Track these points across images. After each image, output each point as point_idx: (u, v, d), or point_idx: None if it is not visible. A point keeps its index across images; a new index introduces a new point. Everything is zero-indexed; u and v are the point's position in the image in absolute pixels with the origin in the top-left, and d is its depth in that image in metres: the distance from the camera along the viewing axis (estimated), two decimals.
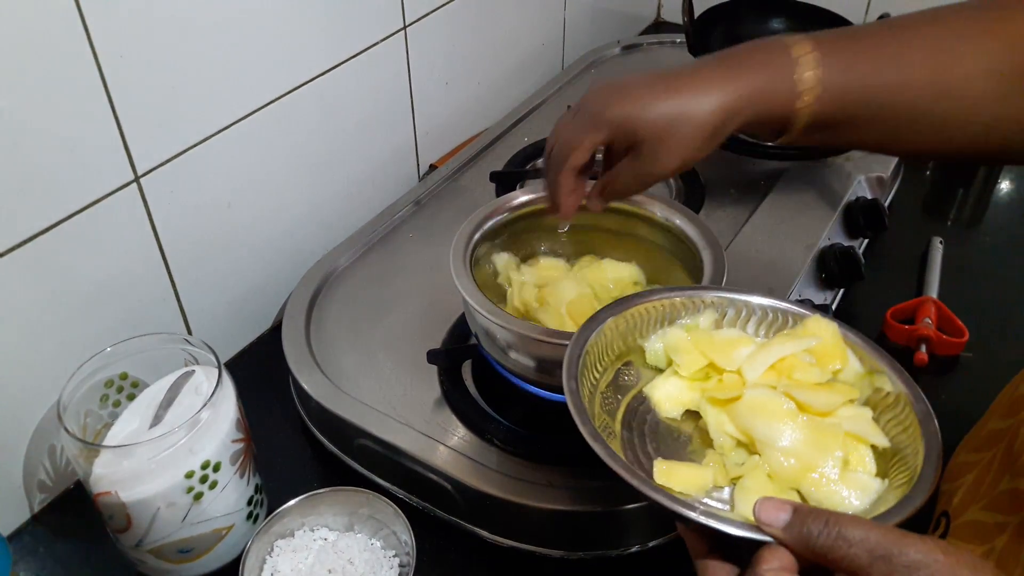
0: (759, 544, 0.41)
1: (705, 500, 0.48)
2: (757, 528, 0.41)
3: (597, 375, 0.55)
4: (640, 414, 0.54)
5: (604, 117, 0.57)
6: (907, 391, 0.51)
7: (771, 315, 0.57)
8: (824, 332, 0.54)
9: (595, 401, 0.54)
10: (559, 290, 0.68)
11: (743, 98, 0.55)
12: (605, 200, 0.62)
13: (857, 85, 0.56)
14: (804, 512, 0.41)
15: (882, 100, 0.56)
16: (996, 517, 0.52)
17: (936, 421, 0.49)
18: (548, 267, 0.73)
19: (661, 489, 0.44)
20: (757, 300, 0.57)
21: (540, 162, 0.65)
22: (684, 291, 0.58)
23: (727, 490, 0.49)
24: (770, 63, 0.56)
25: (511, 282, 0.71)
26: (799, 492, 0.47)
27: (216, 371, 0.61)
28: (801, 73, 0.55)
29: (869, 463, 0.48)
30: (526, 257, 0.74)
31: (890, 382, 0.51)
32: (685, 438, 0.52)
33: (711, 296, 0.58)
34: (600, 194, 0.62)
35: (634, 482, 0.44)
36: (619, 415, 0.54)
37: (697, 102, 0.55)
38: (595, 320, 0.55)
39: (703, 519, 0.42)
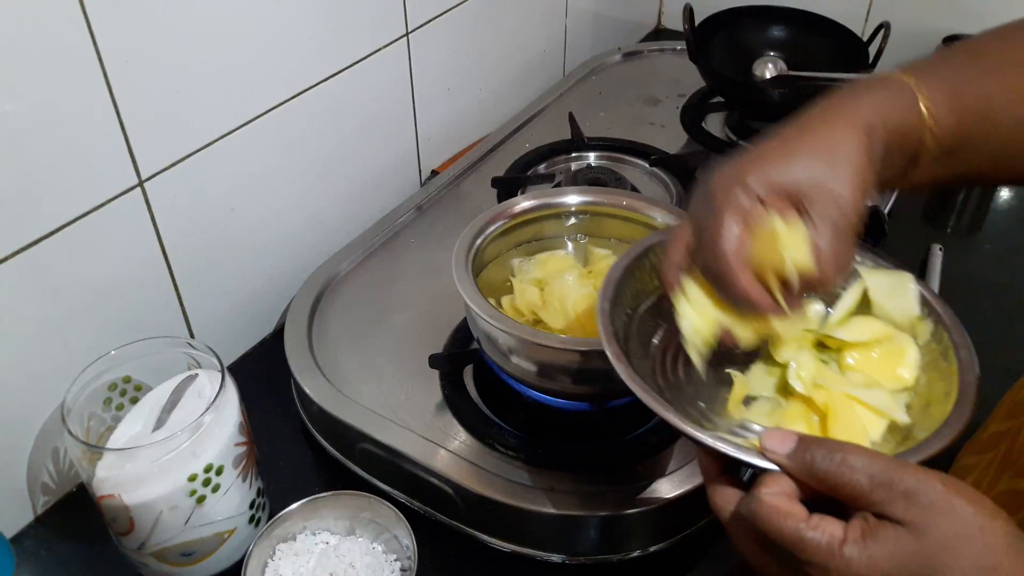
0: (763, 471, 0.42)
1: (730, 427, 0.50)
2: (762, 455, 0.42)
3: (641, 299, 0.56)
4: (677, 340, 0.53)
5: (754, 187, 0.49)
6: (959, 340, 0.52)
7: None
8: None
9: (632, 324, 0.54)
10: (563, 288, 0.69)
11: (874, 122, 0.50)
12: (824, 286, 0.50)
13: (967, 103, 0.53)
14: (808, 440, 0.41)
15: (993, 117, 0.53)
16: None
17: (978, 371, 0.51)
18: (554, 261, 0.73)
19: (674, 411, 0.45)
20: None
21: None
22: None
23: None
24: (886, 88, 0.52)
25: (514, 275, 0.72)
26: None
27: (219, 375, 0.61)
28: (917, 94, 0.52)
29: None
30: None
31: (944, 330, 0.53)
32: (722, 371, 0.53)
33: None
34: (818, 284, 0.50)
35: (649, 400, 0.46)
36: (656, 340, 0.55)
37: (837, 136, 0.49)
38: (641, 244, 0.56)
39: (711, 442, 0.43)
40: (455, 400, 0.71)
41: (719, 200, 0.49)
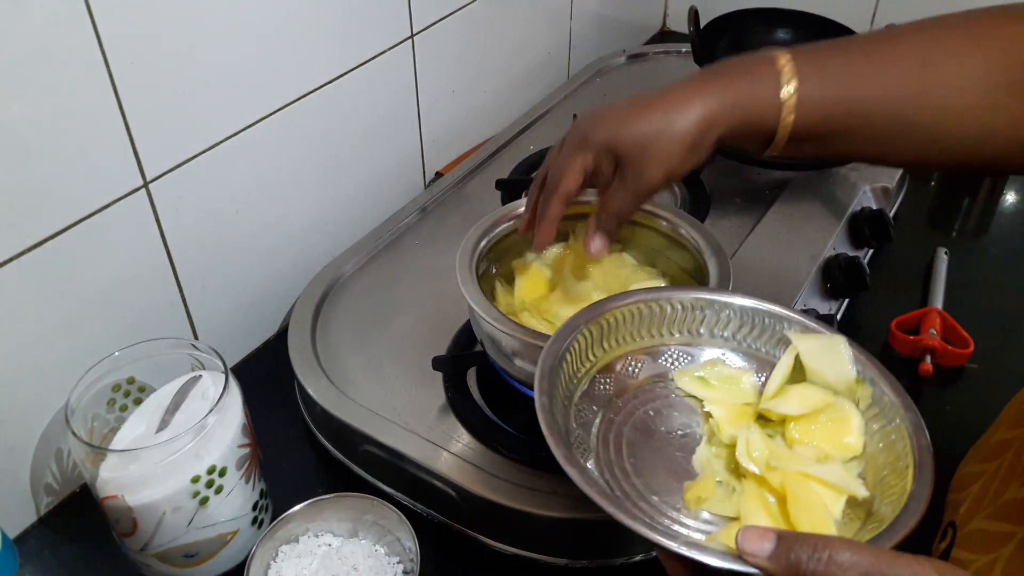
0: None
1: (689, 521, 0.48)
2: (740, 559, 0.40)
3: (573, 384, 0.54)
4: (617, 426, 0.53)
5: (588, 141, 0.59)
6: (899, 401, 0.51)
7: (751, 318, 0.57)
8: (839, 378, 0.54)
9: (569, 414, 0.53)
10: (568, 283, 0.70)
11: (725, 108, 0.56)
12: (603, 228, 0.61)
13: (837, 97, 0.56)
14: (790, 539, 0.39)
15: (865, 112, 0.56)
16: (1002, 526, 0.52)
17: (927, 434, 0.49)
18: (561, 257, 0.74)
19: (639, 517, 0.43)
20: (738, 301, 0.58)
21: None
22: (658, 292, 0.58)
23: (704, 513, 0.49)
24: (752, 74, 0.56)
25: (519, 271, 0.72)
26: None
27: (223, 376, 0.61)
28: (783, 85, 0.55)
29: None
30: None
31: (884, 391, 0.51)
32: (669, 455, 0.52)
33: (687, 297, 0.57)
34: (596, 224, 0.62)
35: (612, 510, 0.44)
36: (594, 429, 0.53)
37: (676, 114, 0.56)
38: (568, 328, 0.54)
39: (685, 551, 0.41)
40: (458, 403, 0.71)
41: (569, 144, 0.60)
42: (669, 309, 0.58)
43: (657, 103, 0.57)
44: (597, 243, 0.62)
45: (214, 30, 0.69)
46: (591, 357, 0.56)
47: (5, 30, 0.55)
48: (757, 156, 0.59)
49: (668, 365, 0.58)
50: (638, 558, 0.65)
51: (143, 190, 0.68)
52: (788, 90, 0.55)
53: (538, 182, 0.64)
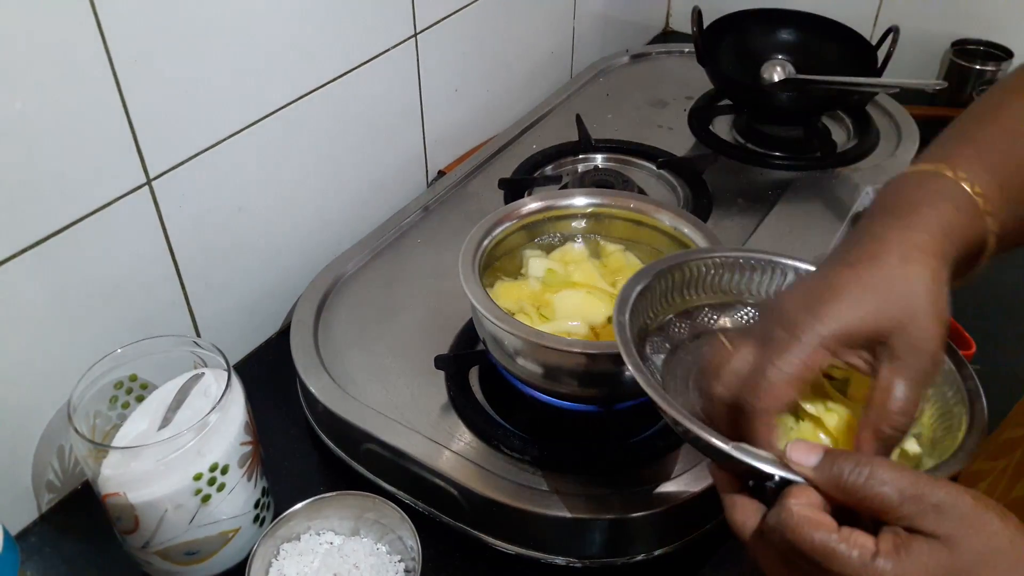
0: (788, 484, 0.41)
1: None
2: (786, 466, 0.42)
3: (650, 319, 0.56)
4: (686, 364, 0.55)
5: (811, 341, 0.45)
6: (957, 370, 0.52)
7: None
8: None
9: (644, 342, 0.55)
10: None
11: (943, 233, 0.47)
12: (887, 441, 0.45)
13: (1010, 181, 0.51)
14: (835, 453, 0.41)
15: None
16: None
17: (984, 400, 0.50)
18: (570, 253, 0.73)
19: (696, 420, 0.44)
20: (805, 266, 0.58)
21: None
22: (741, 251, 0.59)
23: None
24: (942, 195, 0.49)
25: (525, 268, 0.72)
26: None
27: (226, 374, 0.61)
28: (972, 193, 0.49)
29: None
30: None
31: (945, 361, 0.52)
32: None
33: (767, 259, 0.58)
34: (876, 435, 0.45)
35: (670, 410, 0.45)
36: (662, 357, 0.55)
37: (901, 261, 0.46)
38: (651, 268, 0.56)
39: (736, 452, 0.42)
40: (460, 401, 0.71)
41: (782, 339, 0.45)
42: (749, 268, 0.58)
43: (862, 263, 0.46)
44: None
45: (217, 28, 0.69)
46: (670, 300, 0.57)
47: (10, 28, 0.55)
48: (969, 281, 0.52)
49: (742, 321, 0.59)
50: (639, 558, 0.65)
51: (146, 187, 0.68)
52: (979, 199, 0.49)
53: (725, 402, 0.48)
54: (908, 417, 0.45)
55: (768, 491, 0.43)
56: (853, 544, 0.38)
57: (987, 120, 0.53)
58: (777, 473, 0.42)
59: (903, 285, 0.45)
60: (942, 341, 0.46)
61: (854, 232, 0.49)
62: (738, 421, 0.46)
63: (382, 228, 0.90)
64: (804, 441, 0.42)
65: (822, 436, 0.50)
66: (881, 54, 1.02)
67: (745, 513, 0.43)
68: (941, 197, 0.48)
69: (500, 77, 1.09)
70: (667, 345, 0.56)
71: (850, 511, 0.40)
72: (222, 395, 0.59)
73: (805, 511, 0.40)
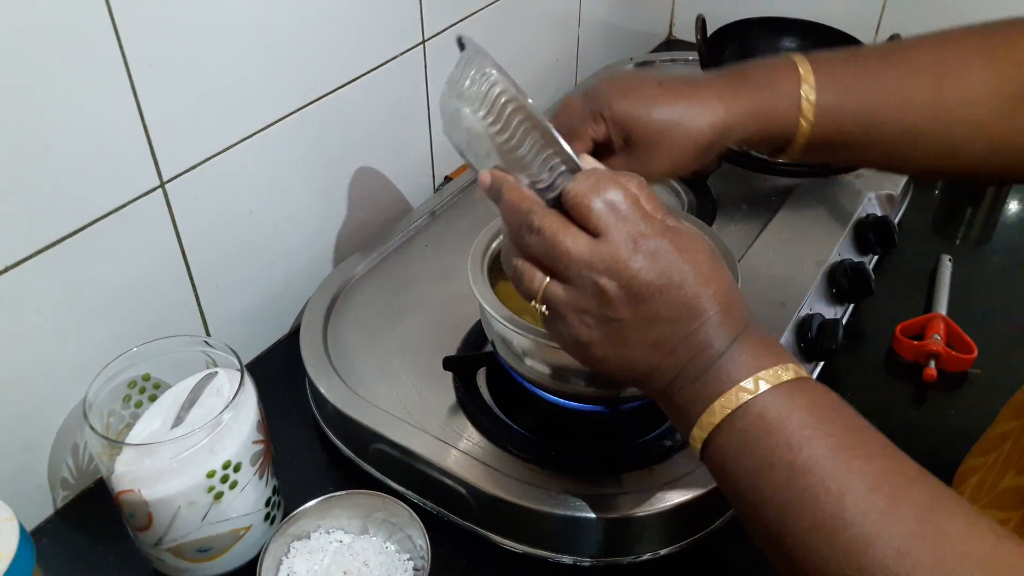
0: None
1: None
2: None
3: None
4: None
5: (606, 110, 0.58)
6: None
7: None
8: None
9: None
10: None
11: (744, 116, 0.57)
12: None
13: (854, 107, 0.57)
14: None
15: (881, 121, 0.57)
16: (999, 514, 0.53)
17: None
18: None
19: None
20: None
21: None
22: None
23: None
24: (772, 84, 0.57)
25: None
26: None
27: (239, 373, 0.62)
28: (802, 95, 0.56)
29: None
30: None
31: None
32: None
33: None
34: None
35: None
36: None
37: (697, 112, 0.57)
38: None
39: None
40: (469, 402, 0.72)
41: (586, 106, 0.59)
42: None
43: (683, 95, 0.57)
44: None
45: (231, 34, 0.70)
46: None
47: (26, 30, 0.56)
48: (773, 157, 0.60)
49: None
50: (646, 557, 0.66)
51: (160, 190, 0.69)
52: (806, 99, 0.56)
53: None
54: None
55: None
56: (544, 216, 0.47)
57: (885, 53, 0.60)
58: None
59: (683, 118, 0.57)
60: (671, 169, 0.58)
61: (710, 71, 0.61)
62: None
63: (390, 232, 0.91)
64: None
65: None
66: None
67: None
68: (771, 88, 0.57)
69: None
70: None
71: None
72: (235, 393, 0.60)
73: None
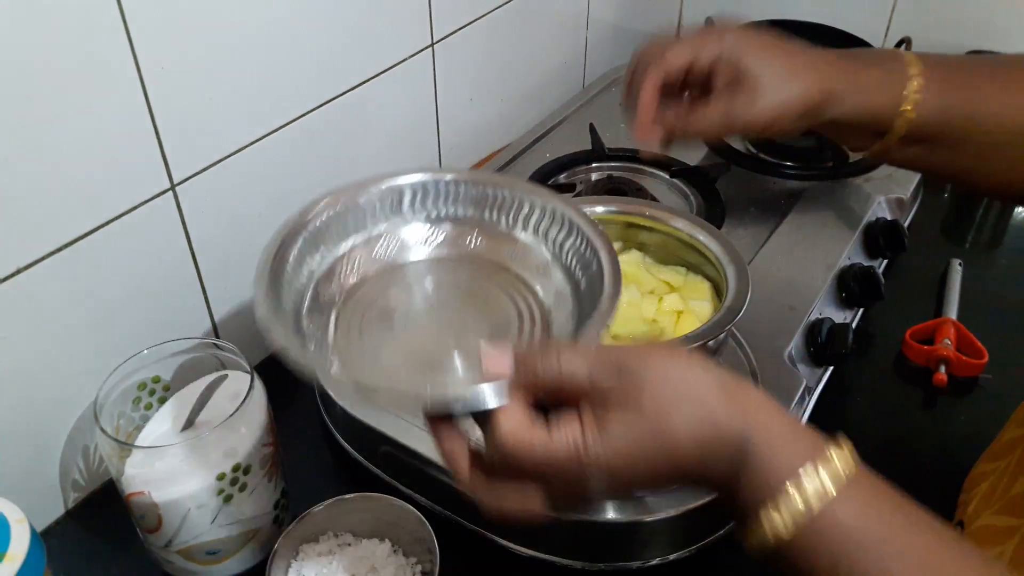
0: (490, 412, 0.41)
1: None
2: (487, 391, 0.41)
3: (301, 301, 0.55)
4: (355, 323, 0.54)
5: (722, 39, 0.57)
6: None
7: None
8: None
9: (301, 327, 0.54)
10: None
11: (851, 86, 0.56)
12: (673, 129, 0.59)
13: (958, 104, 0.57)
14: (524, 355, 0.42)
15: (980, 123, 0.57)
16: (1008, 521, 0.53)
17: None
18: None
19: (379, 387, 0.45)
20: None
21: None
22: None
23: None
24: (880, 65, 0.57)
25: None
26: None
27: (248, 376, 0.62)
28: (909, 83, 0.56)
29: None
30: None
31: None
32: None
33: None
34: (667, 121, 0.59)
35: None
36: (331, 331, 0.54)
37: (809, 72, 0.56)
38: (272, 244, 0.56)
39: (434, 394, 0.42)
40: None
41: (700, 32, 0.59)
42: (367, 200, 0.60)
43: (798, 52, 0.57)
44: (654, 132, 0.59)
45: (241, 38, 0.70)
46: (309, 266, 0.56)
47: (38, 34, 0.56)
48: (865, 150, 0.59)
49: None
50: (655, 562, 0.66)
51: (170, 193, 0.69)
52: (913, 86, 0.56)
53: (635, 59, 0.61)
54: (698, 127, 0.57)
55: (478, 422, 0.43)
56: (565, 440, 0.39)
57: (992, 60, 0.61)
58: (483, 401, 0.41)
59: (799, 72, 0.56)
60: (772, 117, 0.57)
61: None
62: None
63: None
64: (494, 352, 0.42)
65: None
66: None
67: (462, 455, 0.44)
68: (878, 70, 0.57)
69: (513, 87, 1.10)
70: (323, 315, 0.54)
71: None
72: (245, 396, 0.60)
73: (518, 434, 0.40)
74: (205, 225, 0.73)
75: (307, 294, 0.55)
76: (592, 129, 1.05)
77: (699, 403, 0.40)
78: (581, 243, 0.53)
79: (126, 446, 0.59)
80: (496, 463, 0.42)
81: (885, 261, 0.94)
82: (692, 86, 0.60)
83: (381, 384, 0.44)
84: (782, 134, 0.58)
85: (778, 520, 0.40)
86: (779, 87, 0.56)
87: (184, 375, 0.66)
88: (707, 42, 0.57)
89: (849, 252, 0.88)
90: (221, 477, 0.59)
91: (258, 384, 0.62)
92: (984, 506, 0.57)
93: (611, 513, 0.63)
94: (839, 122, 0.58)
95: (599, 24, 1.23)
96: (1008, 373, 0.83)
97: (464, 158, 1.06)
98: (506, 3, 1.01)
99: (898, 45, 1.03)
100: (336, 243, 0.58)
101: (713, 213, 0.92)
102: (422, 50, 0.91)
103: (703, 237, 0.70)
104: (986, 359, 0.82)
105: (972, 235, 1.05)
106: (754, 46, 0.57)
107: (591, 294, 0.51)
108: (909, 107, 0.56)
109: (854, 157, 1.03)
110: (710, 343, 0.63)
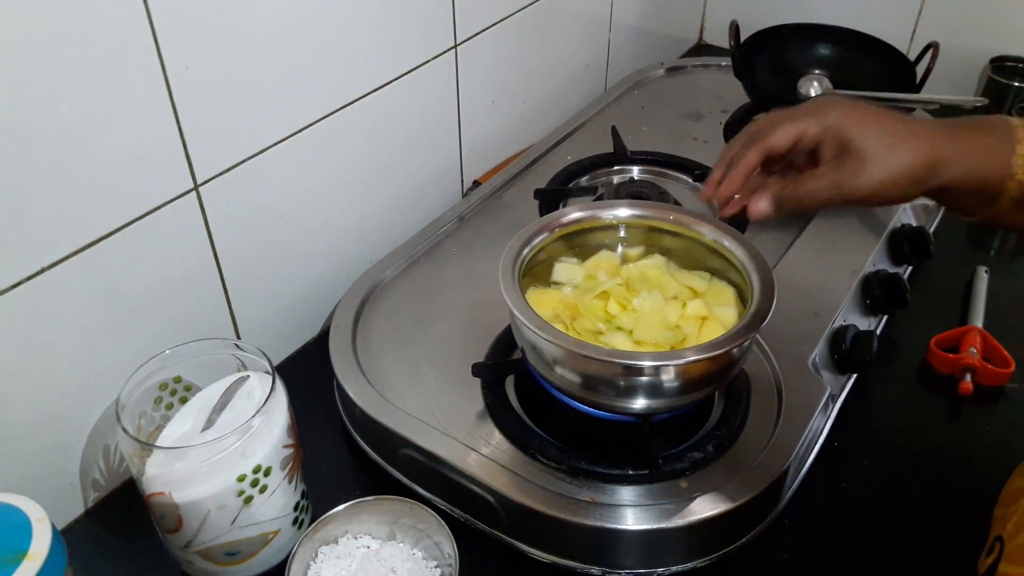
0: None
1: None
2: None
3: None
4: None
5: (825, 116, 0.57)
6: None
7: None
8: None
9: None
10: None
11: (959, 152, 0.56)
12: (779, 205, 0.60)
13: None
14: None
15: None
16: None
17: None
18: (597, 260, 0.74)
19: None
20: None
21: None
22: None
23: None
24: (991, 132, 0.57)
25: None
26: None
27: (270, 377, 0.62)
28: (1019, 146, 0.56)
29: None
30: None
31: None
32: None
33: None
34: (777, 196, 0.59)
35: None
36: None
37: (913, 140, 0.56)
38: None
39: None
40: (497, 409, 0.71)
41: (801, 110, 0.60)
42: None
43: (902, 122, 0.57)
44: (763, 205, 0.60)
45: (265, 39, 0.70)
46: None
47: (65, 33, 0.56)
48: (977, 215, 0.59)
49: None
50: (675, 569, 0.65)
51: (193, 193, 0.69)
52: (1022, 150, 0.56)
53: (742, 135, 0.63)
54: (803, 197, 0.58)
55: None
56: None
57: None
58: None
59: (904, 142, 0.56)
60: (878, 188, 0.57)
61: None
62: None
63: (418, 237, 0.91)
64: None
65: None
66: (920, 69, 1.01)
67: None
68: (986, 138, 0.57)
69: (536, 88, 1.10)
70: None
71: None
72: (267, 398, 0.60)
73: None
74: (228, 225, 0.73)
75: None
76: (614, 132, 1.04)
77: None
78: None
79: (147, 446, 0.59)
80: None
81: (910, 268, 0.93)
82: (797, 160, 0.61)
83: None
84: (890, 203, 0.59)
85: None
86: (886, 157, 0.56)
87: (205, 375, 0.66)
88: (813, 119, 0.58)
89: (874, 258, 0.87)
90: (242, 479, 0.59)
91: (280, 385, 0.62)
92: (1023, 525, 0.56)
93: (631, 520, 0.63)
94: (949, 189, 0.57)
95: (622, 27, 1.23)
96: None
97: (485, 161, 1.06)
98: (529, 5, 1.01)
99: (924, 51, 1.01)
100: None
101: (736, 217, 0.91)
102: (445, 51, 0.91)
103: (728, 242, 0.69)
104: (1012, 368, 0.81)
105: (998, 242, 1.03)
106: (859, 119, 0.57)
107: None
108: (1021, 171, 0.55)
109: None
110: (734, 350, 0.62)
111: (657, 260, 0.73)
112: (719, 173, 0.63)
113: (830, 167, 0.57)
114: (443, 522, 0.62)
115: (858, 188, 0.56)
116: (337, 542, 0.65)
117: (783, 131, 0.59)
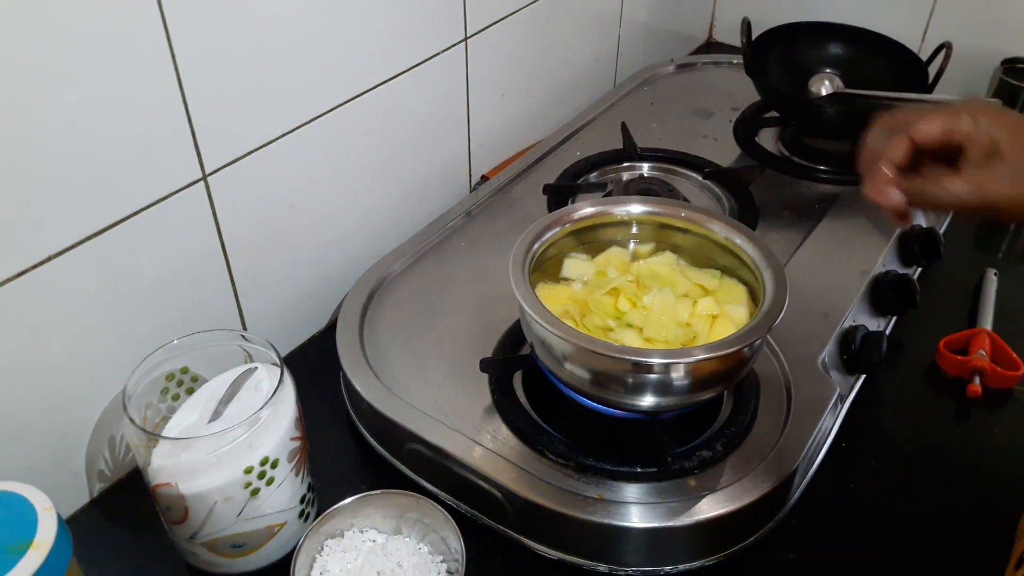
0: None
1: None
2: None
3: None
4: None
5: (977, 118, 0.55)
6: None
7: None
8: None
9: None
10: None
11: None
12: (914, 193, 0.57)
13: None
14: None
15: None
16: None
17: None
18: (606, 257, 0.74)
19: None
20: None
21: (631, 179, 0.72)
22: None
23: None
24: None
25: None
26: None
27: (278, 369, 0.61)
28: None
29: None
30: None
31: None
32: None
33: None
34: (909, 186, 0.57)
35: None
36: None
37: None
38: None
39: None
40: (505, 405, 0.71)
41: (954, 108, 0.57)
42: None
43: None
44: (896, 195, 0.57)
45: (275, 30, 0.70)
46: None
47: (74, 22, 0.56)
48: None
49: None
50: (682, 568, 0.65)
51: (202, 183, 0.69)
52: None
53: (878, 127, 0.60)
54: (941, 193, 0.56)
55: None
56: None
57: None
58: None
59: None
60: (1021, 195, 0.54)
61: None
62: None
63: (426, 231, 0.91)
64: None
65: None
66: (932, 70, 1.01)
67: None
68: None
69: (545, 84, 1.10)
70: None
71: None
72: (275, 390, 0.59)
73: None
74: (235, 216, 0.73)
75: None
76: (624, 128, 1.04)
77: None
78: None
79: (154, 436, 0.59)
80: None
81: (920, 269, 0.93)
82: (939, 158, 0.58)
83: None
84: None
85: None
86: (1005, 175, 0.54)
87: (212, 366, 0.65)
88: (965, 116, 0.56)
89: (884, 259, 0.87)
90: (249, 471, 0.58)
91: (288, 378, 0.62)
92: None
93: (639, 518, 0.62)
94: None
95: (632, 22, 1.22)
96: None
97: (493, 155, 1.05)
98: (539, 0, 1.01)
99: (937, 51, 1.01)
100: None
101: (746, 216, 0.91)
102: (455, 44, 0.90)
103: (739, 240, 0.69)
104: (1022, 371, 0.81)
105: (1007, 244, 1.03)
106: (1011, 125, 0.55)
107: None
108: None
109: None
110: (745, 349, 0.61)
111: (668, 257, 0.73)
112: (885, 172, 0.58)
113: (975, 169, 0.55)
114: (450, 517, 0.61)
115: (1003, 196, 0.54)
116: (343, 536, 0.64)
117: (934, 122, 0.56)
